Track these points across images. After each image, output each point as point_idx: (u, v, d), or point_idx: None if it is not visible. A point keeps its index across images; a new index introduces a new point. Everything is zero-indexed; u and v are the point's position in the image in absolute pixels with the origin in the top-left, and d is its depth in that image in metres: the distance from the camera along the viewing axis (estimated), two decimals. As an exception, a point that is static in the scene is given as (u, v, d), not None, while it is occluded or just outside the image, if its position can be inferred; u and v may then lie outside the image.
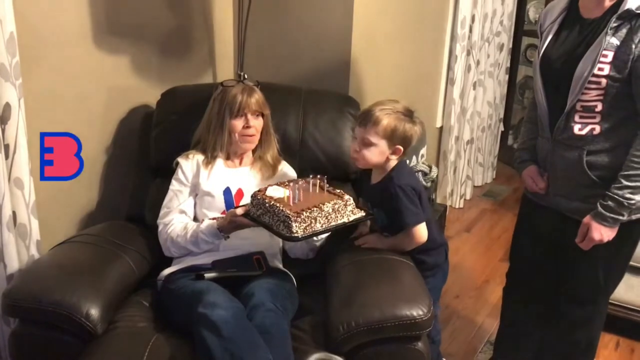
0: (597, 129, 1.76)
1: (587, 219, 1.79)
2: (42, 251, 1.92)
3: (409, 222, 1.85)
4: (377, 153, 1.85)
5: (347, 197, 1.77)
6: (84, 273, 1.71)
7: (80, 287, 1.64)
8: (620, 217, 1.75)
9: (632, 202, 1.72)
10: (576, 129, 1.78)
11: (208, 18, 2.62)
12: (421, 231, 1.88)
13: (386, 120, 1.82)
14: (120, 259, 1.84)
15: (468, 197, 4.21)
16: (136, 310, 1.78)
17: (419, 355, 1.64)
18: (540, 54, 1.87)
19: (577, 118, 1.77)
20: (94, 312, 1.59)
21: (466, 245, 3.57)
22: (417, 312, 1.60)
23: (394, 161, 1.89)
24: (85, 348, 1.60)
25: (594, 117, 1.76)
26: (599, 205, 1.76)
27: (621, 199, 1.72)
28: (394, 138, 1.83)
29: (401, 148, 1.86)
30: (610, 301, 2.39)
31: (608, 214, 1.74)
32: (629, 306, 2.55)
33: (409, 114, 1.86)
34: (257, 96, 1.99)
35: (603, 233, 1.77)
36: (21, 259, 1.88)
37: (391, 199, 1.85)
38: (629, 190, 1.71)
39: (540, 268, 2.10)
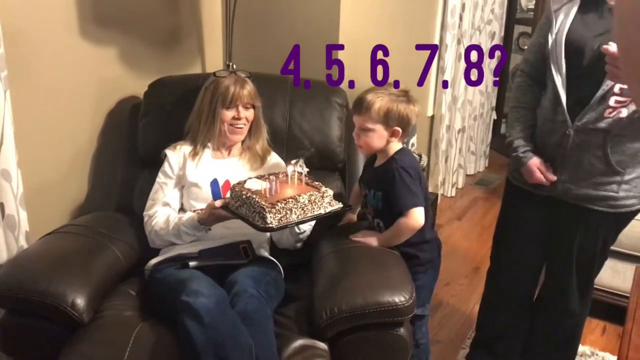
0: (624, 111, 1.73)
1: None
2: (32, 242, 1.93)
3: (409, 203, 1.81)
4: (376, 138, 1.85)
5: (324, 188, 1.79)
6: (71, 263, 1.72)
7: (67, 277, 1.65)
8: None
9: None
10: (607, 112, 1.74)
11: (196, 8, 2.62)
12: (418, 214, 1.83)
13: (378, 103, 1.82)
14: (108, 249, 1.85)
15: (460, 185, 4.23)
16: (123, 299, 1.79)
17: (401, 341, 1.66)
18: (564, 36, 1.79)
19: (612, 102, 1.73)
20: (80, 301, 1.61)
21: (457, 233, 3.59)
22: (398, 298, 1.62)
23: (396, 144, 1.88)
24: (72, 336, 1.62)
25: (625, 101, 1.72)
26: None
27: None
28: (390, 120, 1.83)
29: (399, 129, 1.84)
30: (597, 287, 2.43)
31: None
32: (615, 292, 2.58)
33: (403, 95, 1.85)
34: (249, 88, 2.01)
35: None
36: (10, 250, 1.89)
37: (392, 181, 1.83)
38: None
39: (528, 260, 2.11)
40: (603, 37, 1.74)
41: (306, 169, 1.84)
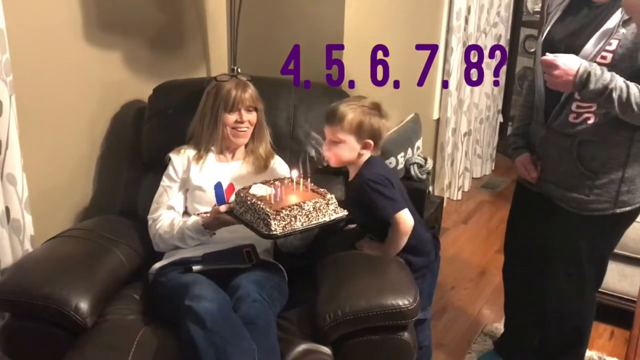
0: (592, 118, 1.75)
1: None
2: (36, 246, 1.93)
3: (390, 211, 1.80)
4: (348, 150, 1.84)
5: (329, 195, 1.78)
6: (74, 267, 1.73)
7: (70, 281, 1.66)
8: (586, 87, 1.62)
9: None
10: (571, 117, 1.77)
11: (200, 12, 2.63)
12: (405, 217, 1.82)
13: (351, 114, 1.81)
14: (111, 253, 1.86)
15: (466, 189, 4.22)
16: (126, 304, 1.80)
17: (405, 345, 1.65)
18: (544, 36, 1.85)
19: (574, 107, 1.76)
20: (83, 305, 1.62)
21: (463, 236, 3.57)
22: (402, 301, 1.61)
23: (366, 156, 1.88)
24: (75, 341, 1.62)
25: (590, 107, 1.73)
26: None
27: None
28: (362, 132, 1.83)
29: (371, 142, 1.84)
30: (604, 291, 2.42)
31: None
32: (622, 296, 2.56)
33: (375, 108, 1.85)
34: (251, 91, 2.01)
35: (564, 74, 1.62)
36: (15, 253, 1.89)
37: (365, 196, 1.82)
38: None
39: (533, 257, 2.11)
40: (570, 38, 1.77)
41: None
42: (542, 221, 2.00)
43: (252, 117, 2.02)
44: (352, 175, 1.93)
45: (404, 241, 1.85)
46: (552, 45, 1.80)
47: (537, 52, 1.88)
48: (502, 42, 4.26)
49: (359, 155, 1.86)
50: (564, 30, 1.80)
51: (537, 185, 1.97)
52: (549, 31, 1.85)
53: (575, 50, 1.70)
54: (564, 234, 1.93)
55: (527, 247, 2.12)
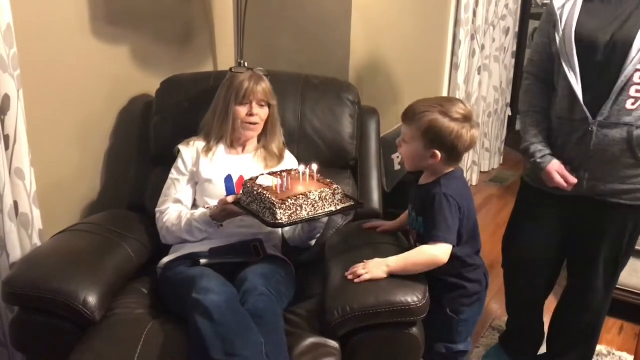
0: None
1: None
2: (45, 240, 1.94)
3: (436, 235, 1.61)
4: (412, 152, 1.66)
5: (335, 186, 1.77)
6: (83, 261, 1.73)
7: (79, 275, 1.66)
8: None
9: None
10: (629, 103, 1.72)
11: (207, 6, 2.62)
12: (443, 251, 1.62)
13: (424, 118, 1.60)
14: (120, 247, 1.86)
15: (474, 183, 4.20)
16: (135, 298, 1.80)
17: (414, 340, 1.64)
18: (573, 32, 1.76)
19: (632, 92, 1.70)
20: (92, 299, 1.62)
21: (471, 231, 3.55)
22: (411, 298, 1.60)
23: (444, 167, 1.67)
24: (83, 334, 1.63)
25: None
26: None
27: None
28: (430, 140, 1.61)
29: (437, 153, 1.62)
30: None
31: None
32: (633, 290, 2.55)
33: (461, 117, 1.59)
34: (265, 85, 1.99)
35: None
36: (24, 247, 1.90)
37: (431, 206, 1.64)
38: None
39: (546, 260, 2.09)
40: (614, 25, 1.73)
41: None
42: (567, 222, 1.96)
43: (264, 112, 2.00)
44: (424, 179, 1.74)
45: (421, 267, 1.66)
46: (595, 37, 1.73)
47: (563, 48, 1.78)
48: (511, 35, 4.23)
49: (432, 163, 1.66)
50: (602, 19, 1.74)
51: (573, 189, 1.86)
52: (578, 23, 1.76)
53: (625, 40, 1.67)
54: (610, 230, 1.88)
55: (537, 252, 2.08)
